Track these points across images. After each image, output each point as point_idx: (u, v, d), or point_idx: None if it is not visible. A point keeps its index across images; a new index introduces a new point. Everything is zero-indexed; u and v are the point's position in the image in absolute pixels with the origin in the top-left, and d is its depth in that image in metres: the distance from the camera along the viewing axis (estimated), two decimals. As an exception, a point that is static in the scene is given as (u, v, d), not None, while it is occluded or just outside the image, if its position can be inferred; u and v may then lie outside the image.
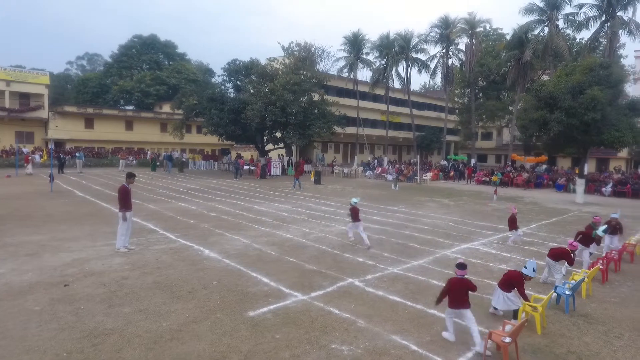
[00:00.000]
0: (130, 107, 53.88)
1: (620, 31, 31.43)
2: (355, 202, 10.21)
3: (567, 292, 6.28)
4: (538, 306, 5.66)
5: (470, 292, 5.27)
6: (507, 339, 4.61)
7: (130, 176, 9.28)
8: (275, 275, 7.55)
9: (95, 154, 39.05)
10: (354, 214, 10.00)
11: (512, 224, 10.60)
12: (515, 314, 5.72)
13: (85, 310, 5.83)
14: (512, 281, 5.71)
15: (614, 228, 9.60)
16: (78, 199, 16.76)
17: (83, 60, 72.63)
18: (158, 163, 35.96)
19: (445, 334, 5.33)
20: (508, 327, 4.92)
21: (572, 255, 7.43)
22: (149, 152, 39.67)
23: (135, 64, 58.69)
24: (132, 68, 58.21)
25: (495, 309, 6.01)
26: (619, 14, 31.57)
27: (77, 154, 32.08)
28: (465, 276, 5.31)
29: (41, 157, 33.97)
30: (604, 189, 24.02)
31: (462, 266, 5.35)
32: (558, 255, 7.27)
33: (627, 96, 31.14)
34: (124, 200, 8.88)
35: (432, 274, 7.96)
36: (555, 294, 6.44)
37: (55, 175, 20.83)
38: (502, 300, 5.73)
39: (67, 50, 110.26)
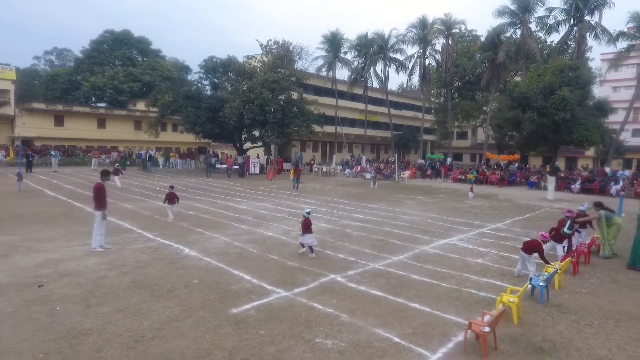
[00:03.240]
0: (103, 104, 52.22)
1: (587, 35, 32.71)
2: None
3: (541, 284, 6.52)
4: (515, 297, 5.86)
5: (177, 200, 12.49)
6: (486, 329, 4.76)
7: (107, 174, 9.10)
8: (257, 273, 7.52)
9: (66, 152, 37.66)
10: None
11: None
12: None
13: (62, 310, 5.66)
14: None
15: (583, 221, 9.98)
16: (49, 199, 16.18)
17: (51, 55, 69.48)
18: (128, 162, 34.89)
19: (169, 220, 11.90)
20: (487, 318, 5.07)
21: (541, 246, 7.68)
22: (116, 153, 37.55)
23: (107, 60, 56.84)
24: (104, 64, 56.36)
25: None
26: (587, 18, 32.87)
27: (52, 152, 30.83)
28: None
29: (5, 155, 32.49)
30: (573, 186, 24.94)
31: (172, 187, 12.39)
32: (531, 248, 7.54)
33: (594, 97, 32.52)
34: (103, 198, 8.65)
35: (412, 269, 8.10)
36: (530, 286, 6.67)
37: (23, 175, 20.03)
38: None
39: (34, 44, 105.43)
